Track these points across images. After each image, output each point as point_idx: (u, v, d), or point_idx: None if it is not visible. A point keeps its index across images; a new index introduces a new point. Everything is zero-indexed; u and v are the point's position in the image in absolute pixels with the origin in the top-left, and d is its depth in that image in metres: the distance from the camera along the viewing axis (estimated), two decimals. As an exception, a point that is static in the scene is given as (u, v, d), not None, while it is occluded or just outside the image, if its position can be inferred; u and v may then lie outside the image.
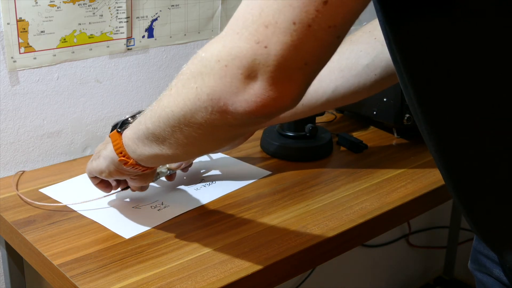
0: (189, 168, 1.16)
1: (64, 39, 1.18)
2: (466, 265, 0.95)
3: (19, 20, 1.11)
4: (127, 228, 0.99)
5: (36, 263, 0.95)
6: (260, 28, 0.62)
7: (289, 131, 1.29)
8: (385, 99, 1.35)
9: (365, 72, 1.07)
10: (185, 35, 1.36)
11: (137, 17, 1.26)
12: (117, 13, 1.23)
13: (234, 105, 0.66)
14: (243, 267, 0.90)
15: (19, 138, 1.18)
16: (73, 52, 1.20)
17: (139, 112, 0.92)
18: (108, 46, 1.24)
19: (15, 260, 1.14)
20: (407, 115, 1.32)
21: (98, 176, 0.99)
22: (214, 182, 1.16)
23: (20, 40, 1.12)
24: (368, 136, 1.39)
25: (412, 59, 0.66)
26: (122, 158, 0.89)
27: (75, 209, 1.04)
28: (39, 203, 1.05)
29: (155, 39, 1.31)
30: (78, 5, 1.17)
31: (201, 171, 1.20)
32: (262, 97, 0.64)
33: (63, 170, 1.19)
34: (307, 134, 1.27)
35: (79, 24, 1.19)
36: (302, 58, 0.62)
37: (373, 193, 1.13)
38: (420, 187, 1.17)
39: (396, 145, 1.36)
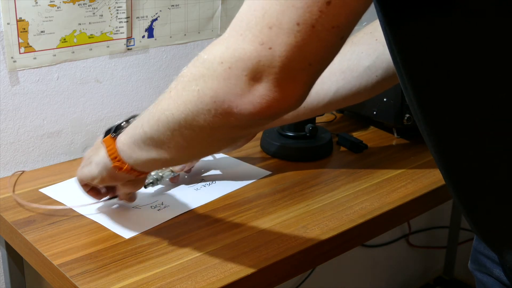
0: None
1: (64, 39, 1.18)
2: (466, 265, 0.95)
3: (19, 20, 1.11)
4: (127, 228, 0.99)
5: (36, 263, 0.95)
6: (264, 30, 0.62)
7: (289, 131, 1.29)
8: (385, 99, 1.35)
9: (367, 73, 1.07)
10: (185, 35, 1.36)
11: (137, 17, 1.26)
12: (117, 13, 1.23)
13: (239, 107, 0.66)
14: (243, 267, 0.90)
15: (19, 138, 1.18)
16: (73, 52, 1.20)
17: (133, 117, 0.91)
18: (108, 46, 1.24)
19: (15, 260, 1.14)
20: (407, 115, 1.32)
21: (89, 183, 0.97)
22: (214, 182, 1.16)
23: (20, 40, 1.12)
24: (368, 136, 1.39)
25: (412, 59, 0.66)
26: (117, 163, 0.88)
27: (75, 209, 1.04)
28: (33, 205, 1.04)
29: (155, 39, 1.31)
30: (78, 5, 1.17)
31: (201, 171, 1.20)
32: (267, 98, 0.64)
33: (63, 170, 1.19)
34: (307, 134, 1.27)
35: (79, 24, 1.19)
36: (306, 59, 0.62)
37: (373, 193, 1.13)
38: (420, 187, 1.17)
39: (396, 145, 1.36)
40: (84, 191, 0.99)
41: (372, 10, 0.68)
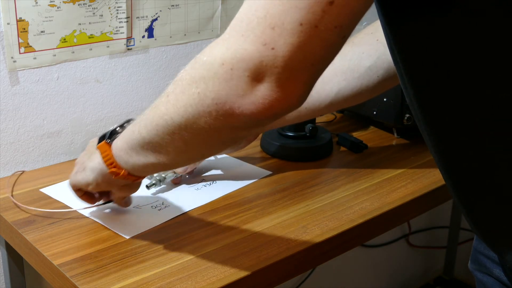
0: (190, 169, 1.17)
1: (64, 39, 1.18)
2: (466, 265, 0.94)
3: (19, 20, 1.11)
4: (127, 228, 0.99)
5: (36, 263, 0.95)
6: (266, 30, 0.61)
7: (289, 131, 1.29)
8: (385, 99, 1.35)
9: (368, 74, 1.07)
10: (185, 35, 1.36)
11: (137, 17, 1.26)
12: (117, 13, 1.23)
13: (241, 108, 0.66)
14: (243, 267, 0.90)
15: (19, 138, 1.18)
16: (73, 52, 1.20)
17: (128, 121, 0.90)
18: (108, 46, 1.24)
19: (15, 260, 1.14)
20: (407, 115, 1.32)
21: (83, 188, 0.96)
22: (214, 182, 1.16)
23: (20, 40, 1.12)
24: (368, 136, 1.39)
25: (412, 59, 0.66)
26: (113, 169, 0.87)
27: (74, 209, 1.04)
28: (29, 207, 1.03)
29: (155, 39, 1.31)
30: (78, 5, 1.17)
31: (202, 171, 1.20)
32: (269, 98, 0.64)
33: (63, 170, 1.19)
34: (307, 134, 1.27)
35: (79, 24, 1.19)
36: (309, 59, 0.62)
37: (373, 193, 1.13)
38: (420, 187, 1.17)
39: (396, 145, 1.36)
40: (77, 196, 0.98)
41: (372, 10, 0.68)
